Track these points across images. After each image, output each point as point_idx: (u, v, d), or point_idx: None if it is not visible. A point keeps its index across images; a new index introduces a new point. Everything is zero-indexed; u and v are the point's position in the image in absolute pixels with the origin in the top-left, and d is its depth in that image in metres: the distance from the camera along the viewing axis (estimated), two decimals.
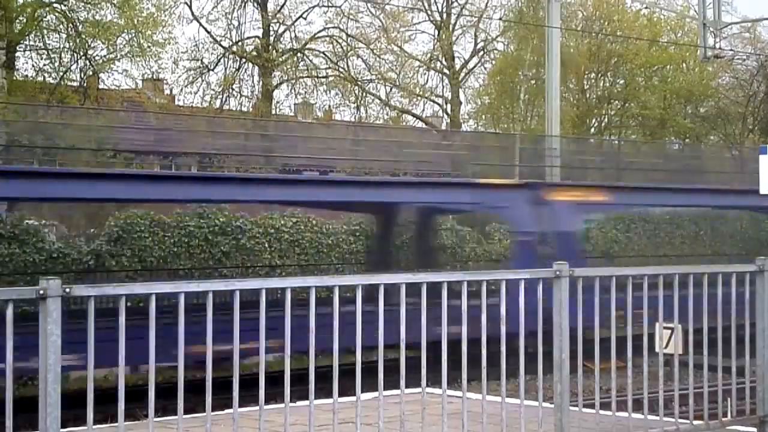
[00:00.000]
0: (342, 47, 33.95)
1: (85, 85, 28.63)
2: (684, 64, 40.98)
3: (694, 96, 40.41)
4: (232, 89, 32.98)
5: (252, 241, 23.55)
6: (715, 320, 6.89)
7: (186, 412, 5.07)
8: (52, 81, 28.05)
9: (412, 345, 5.59)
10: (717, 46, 28.38)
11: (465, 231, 27.11)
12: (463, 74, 37.45)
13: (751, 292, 7.15)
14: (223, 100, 33.00)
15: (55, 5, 27.85)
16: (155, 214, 22.52)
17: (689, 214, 31.15)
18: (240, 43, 32.91)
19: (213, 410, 5.04)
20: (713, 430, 6.95)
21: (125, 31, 28.29)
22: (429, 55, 37.59)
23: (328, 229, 24.96)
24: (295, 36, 33.35)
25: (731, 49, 35.89)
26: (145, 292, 4.93)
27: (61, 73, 28.09)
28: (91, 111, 25.38)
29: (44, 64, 28.31)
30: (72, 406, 5.43)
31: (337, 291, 5.46)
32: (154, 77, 32.89)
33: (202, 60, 32.92)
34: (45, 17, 27.90)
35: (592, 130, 40.07)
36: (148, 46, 28.68)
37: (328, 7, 34.12)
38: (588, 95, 39.68)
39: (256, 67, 32.79)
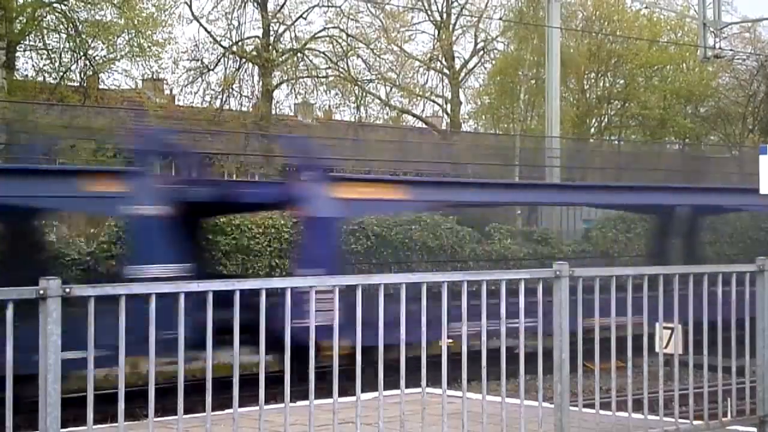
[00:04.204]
0: (342, 47, 33.92)
1: (85, 85, 28.61)
2: (684, 64, 40.97)
3: (694, 96, 40.39)
4: (232, 89, 32.95)
5: (252, 241, 23.52)
6: (715, 320, 6.89)
7: (186, 412, 5.07)
8: (52, 81, 28.03)
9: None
10: (717, 46, 28.37)
11: (465, 231, 27.09)
12: (463, 74, 37.43)
13: (751, 292, 7.15)
14: (223, 100, 32.98)
15: (55, 5, 27.83)
16: None
17: None
18: (240, 43, 32.88)
19: (213, 410, 5.04)
20: (713, 430, 6.95)
21: (125, 31, 28.27)
22: (429, 55, 37.58)
23: None
24: (295, 36, 33.34)
25: (731, 49, 35.91)
26: (145, 292, 4.93)
27: (61, 73, 28.07)
28: (91, 110, 25.42)
29: (44, 64, 28.31)
30: (72, 406, 5.44)
31: (337, 291, 5.46)
32: (154, 77, 32.88)
33: (202, 60, 32.91)
34: (45, 17, 27.87)
35: (592, 130, 40.09)
36: (148, 46, 28.67)
37: (328, 7, 34.10)
38: (588, 95, 39.67)
39: (256, 67, 32.76)
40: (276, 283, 5.78)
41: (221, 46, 32.78)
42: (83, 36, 27.64)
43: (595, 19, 39.67)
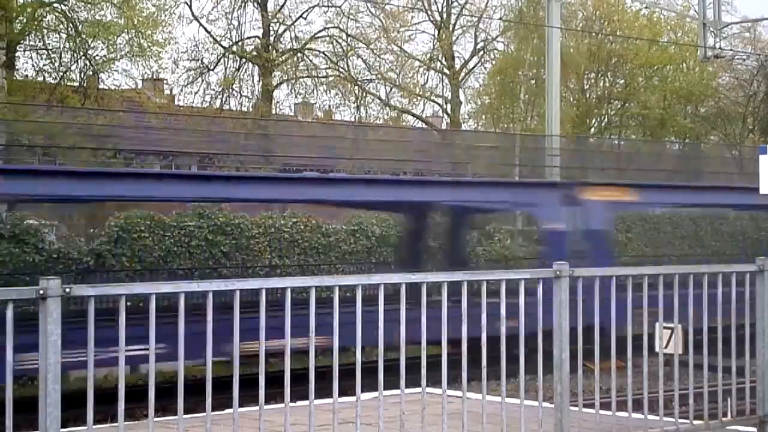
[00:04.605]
0: (342, 47, 33.96)
1: (85, 85, 28.63)
2: (684, 64, 41.00)
3: (694, 96, 40.42)
4: (232, 89, 32.98)
5: (252, 241, 23.54)
6: (715, 320, 6.89)
7: (186, 412, 5.07)
8: (52, 81, 28.05)
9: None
10: (717, 46, 28.38)
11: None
12: (463, 74, 37.44)
13: (751, 292, 7.15)
14: (223, 100, 33.03)
15: (55, 5, 27.84)
16: (155, 214, 22.51)
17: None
18: (240, 43, 32.90)
19: (213, 410, 5.04)
20: (713, 430, 6.95)
21: (125, 31, 28.28)
22: (429, 55, 37.61)
23: (327, 229, 24.96)
24: (295, 36, 33.37)
25: (731, 49, 35.92)
26: (145, 292, 4.93)
27: (61, 73, 28.08)
28: (91, 111, 25.42)
29: (44, 64, 28.33)
30: (72, 406, 5.44)
31: (337, 291, 5.47)
32: (154, 77, 32.92)
33: (202, 60, 32.95)
34: (45, 17, 27.88)
35: (592, 130, 40.09)
36: (148, 46, 28.69)
37: (328, 7, 34.12)
38: (588, 95, 39.68)
39: (256, 67, 32.79)
40: (275, 282, 5.78)
41: (221, 46, 32.81)
42: (83, 36, 27.64)
43: (595, 19, 39.69)
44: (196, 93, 33.02)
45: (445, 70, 36.98)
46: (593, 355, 6.30)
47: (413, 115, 37.36)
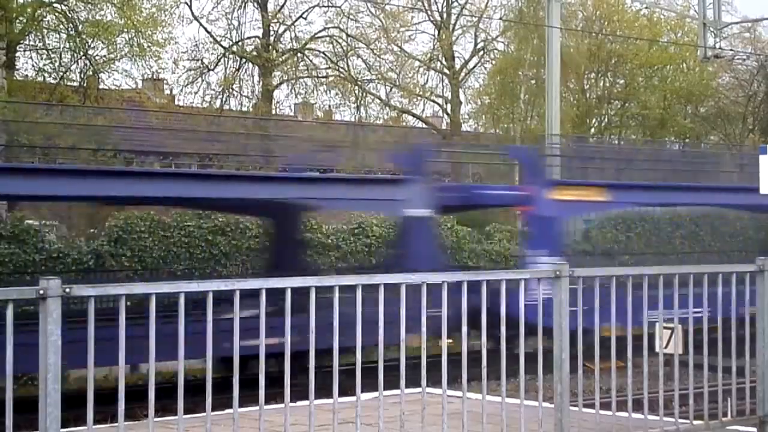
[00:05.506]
0: (342, 47, 33.97)
1: (85, 85, 28.63)
2: (684, 64, 41.02)
3: (694, 96, 40.44)
4: (232, 89, 33.01)
5: (252, 241, 23.52)
6: (715, 320, 6.89)
7: (186, 412, 5.07)
8: (52, 81, 28.04)
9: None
10: (717, 46, 28.39)
11: (465, 231, 27.11)
12: (463, 74, 37.47)
13: (751, 292, 7.15)
14: (223, 100, 33.05)
15: (55, 5, 27.84)
16: (155, 214, 22.50)
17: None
18: (240, 43, 32.93)
19: (213, 410, 5.04)
20: (713, 430, 6.95)
21: (125, 31, 28.28)
22: (429, 55, 37.63)
23: (328, 230, 24.94)
24: (295, 36, 33.40)
25: (731, 49, 35.94)
26: (145, 292, 4.93)
27: (61, 73, 28.08)
28: (91, 111, 25.42)
29: (44, 64, 28.33)
30: (72, 406, 5.44)
31: (336, 291, 5.46)
32: (154, 77, 32.95)
33: (202, 60, 32.97)
34: (45, 17, 27.88)
35: (592, 130, 40.10)
36: (148, 46, 28.69)
37: (328, 7, 34.15)
38: (588, 95, 39.69)
39: (256, 67, 32.81)
40: (275, 282, 5.78)
41: (221, 46, 32.83)
42: (83, 36, 27.64)
43: (595, 19, 39.71)
44: (196, 93, 33.10)
45: (445, 70, 36.99)
46: (593, 355, 6.30)
47: (413, 115, 37.39)
